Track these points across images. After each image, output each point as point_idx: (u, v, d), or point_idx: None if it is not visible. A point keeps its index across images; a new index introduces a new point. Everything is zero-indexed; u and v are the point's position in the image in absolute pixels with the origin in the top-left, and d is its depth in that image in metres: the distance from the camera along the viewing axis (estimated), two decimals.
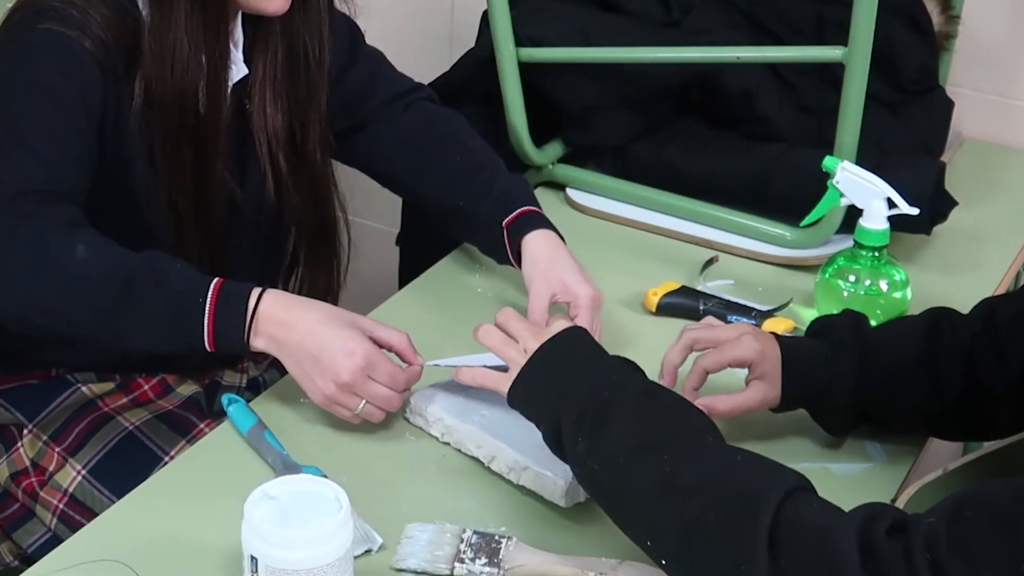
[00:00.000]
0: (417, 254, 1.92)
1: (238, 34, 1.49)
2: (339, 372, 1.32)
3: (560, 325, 1.22)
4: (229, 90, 1.47)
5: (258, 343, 1.33)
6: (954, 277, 1.74)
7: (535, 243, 1.56)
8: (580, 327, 1.22)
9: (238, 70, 1.50)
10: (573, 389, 1.15)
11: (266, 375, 1.70)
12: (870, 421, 1.38)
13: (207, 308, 1.31)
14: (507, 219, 1.58)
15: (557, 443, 1.16)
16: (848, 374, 1.33)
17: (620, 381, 1.15)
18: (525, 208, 1.58)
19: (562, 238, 1.58)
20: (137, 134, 1.43)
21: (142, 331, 1.32)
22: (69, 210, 1.34)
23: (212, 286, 1.32)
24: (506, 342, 1.25)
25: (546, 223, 1.58)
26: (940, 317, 1.36)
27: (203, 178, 1.47)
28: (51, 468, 1.54)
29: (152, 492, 1.31)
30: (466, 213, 1.62)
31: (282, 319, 1.33)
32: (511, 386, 1.20)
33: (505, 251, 1.58)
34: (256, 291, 1.33)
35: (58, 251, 1.30)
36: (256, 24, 1.50)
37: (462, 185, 1.63)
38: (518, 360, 1.21)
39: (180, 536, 1.23)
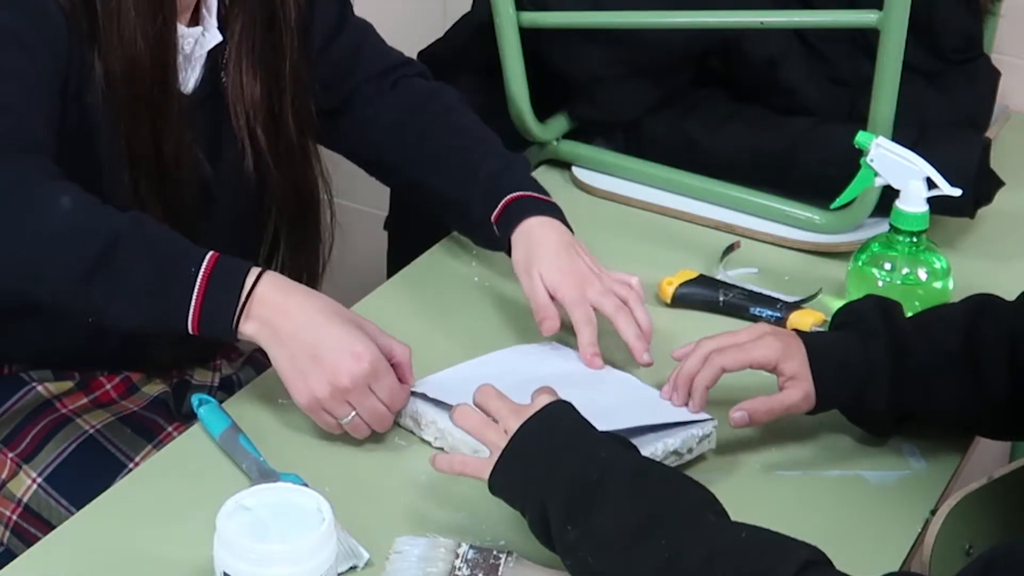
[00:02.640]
0: (407, 239, 1.92)
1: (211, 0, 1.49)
2: (340, 375, 1.30)
3: (543, 400, 1.21)
4: (181, 57, 1.47)
5: (248, 328, 1.30)
6: (1000, 265, 1.74)
7: (515, 242, 1.54)
8: (565, 402, 1.21)
9: (211, 37, 1.49)
10: (558, 472, 1.14)
11: (241, 373, 1.69)
12: (910, 420, 1.38)
13: (198, 280, 1.28)
14: (495, 213, 1.56)
15: (545, 532, 1.15)
16: (881, 367, 1.33)
17: (609, 460, 1.14)
18: (511, 196, 1.56)
19: (559, 217, 1.56)
20: (100, 105, 1.42)
21: (120, 300, 1.29)
22: (47, 163, 1.33)
23: (207, 257, 1.30)
24: (485, 424, 1.23)
25: (534, 208, 1.55)
26: (981, 304, 1.36)
27: (163, 156, 1.45)
28: (3, 476, 1.54)
29: (114, 503, 1.30)
30: (454, 203, 1.61)
31: (280, 304, 1.31)
32: (491, 472, 1.19)
33: (507, 249, 1.57)
34: (256, 270, 1.31)
35: (40, 201, 1.28)
36: None
37: (449, 171, 1.62)
38: (498, 443, 1.19)
39: (145, 552, 1.22)
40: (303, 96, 1.57)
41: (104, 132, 1.43)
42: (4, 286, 1.31)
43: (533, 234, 1.54)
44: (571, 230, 1.57)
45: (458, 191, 1.60)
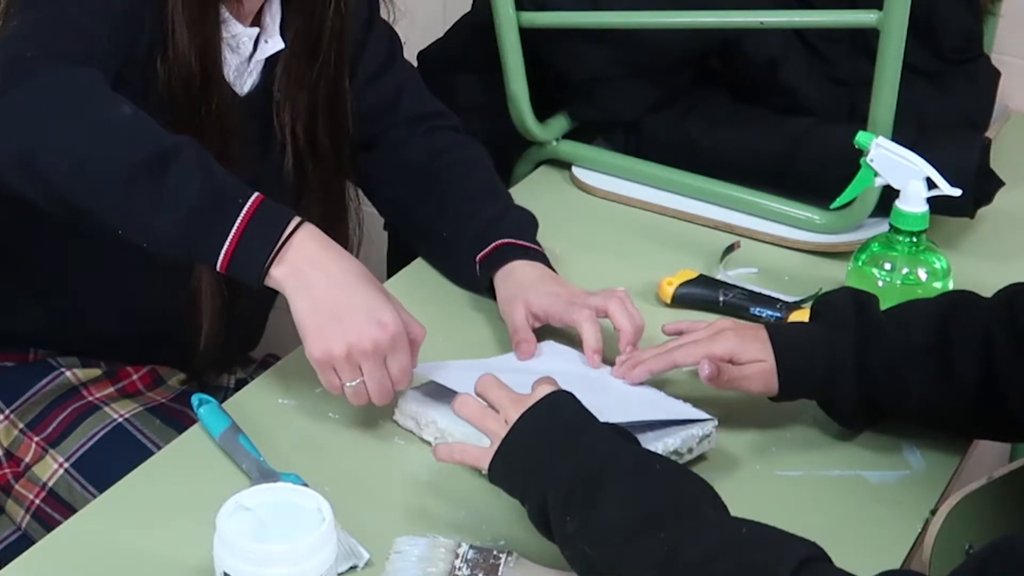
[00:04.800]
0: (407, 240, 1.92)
1: (275, 7, 1.52)
2: (363, 338, 1.28)
3: (544, 390, 1.21)
4: (239, 60, 1.49)
5: (278, 272, 1.28)
6: (1000, 265, 1.74)
7: (498, 282, 1.55)
8: (566, 392, 1.21)
9: (274, 44, 1.51)
10: (558, 463, 1.14)
11: (255, 376, 1.70)
12: (883, 414, 1.38)
13: (243, 211, 1.26)
14: (482, 253, 1.56)
15: (544, 524, 1.15)
16: (848, 357, 1.34)
17: (609, 451, 1.14)
18: (501, 240, 1.56)
19: (547, 264, 1.56)
20: (159, 107, 1.41)
21: (161, 210, 1.25)
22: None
23: (255, 195, 1.28)
24: (485, 413, 1.23)
25: (522, 254, 1.56)
26: (958, 299, 1.37)
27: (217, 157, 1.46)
28: (28, 459, 1.55)
29: (112, 504, 1.30)
30: (446, 243, 1.62)
31: (316, 256, 1.29)
32: (491, 461, 1.19)
33: (487, 290, 1.57)
34: (298, 218, 1.30)
35: (103, 99, 1.28)
36: None
37: (449, 214, 1.62)
38: (499, 432, 1.19)
39: (145, 551, 1.23)
40: (344, 109, 1.58)
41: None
42: (46, 176, 1.25)
43: (516, 271, 1.54)
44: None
45: (452, 232, 1.60)
